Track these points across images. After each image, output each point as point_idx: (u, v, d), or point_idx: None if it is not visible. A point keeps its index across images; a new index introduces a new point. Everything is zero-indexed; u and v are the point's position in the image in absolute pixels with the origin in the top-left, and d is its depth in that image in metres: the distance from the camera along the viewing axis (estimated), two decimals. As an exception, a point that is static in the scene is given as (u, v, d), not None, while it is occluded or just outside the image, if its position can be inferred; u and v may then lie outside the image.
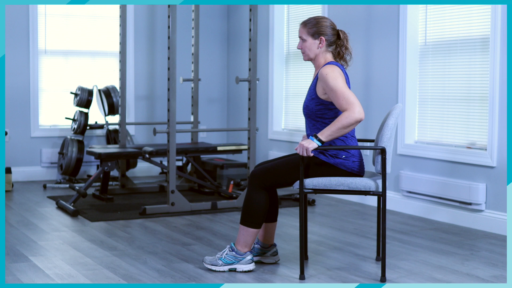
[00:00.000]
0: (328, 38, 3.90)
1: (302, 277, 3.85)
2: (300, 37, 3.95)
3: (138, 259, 4.26)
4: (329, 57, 3.93)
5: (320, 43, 3.90)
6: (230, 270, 3.98)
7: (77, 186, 6.39)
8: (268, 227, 4.14)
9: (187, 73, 7.75)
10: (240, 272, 3.97)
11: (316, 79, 3.88)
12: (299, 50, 4.35)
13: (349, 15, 6.35)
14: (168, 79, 5.66)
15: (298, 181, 3.85)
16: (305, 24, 3.93)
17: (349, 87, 3.83)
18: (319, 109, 3.87)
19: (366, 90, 6.20)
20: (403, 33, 5.76)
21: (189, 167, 7.29)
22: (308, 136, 3.96)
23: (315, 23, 3.90)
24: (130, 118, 7.81)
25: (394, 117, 3.91)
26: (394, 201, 5.89)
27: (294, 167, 3.87)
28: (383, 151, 3.80)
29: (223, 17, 8.30)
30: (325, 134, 3.70)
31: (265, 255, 4.17)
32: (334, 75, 3.76)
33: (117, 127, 7.51)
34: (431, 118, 5.71)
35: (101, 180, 6.40)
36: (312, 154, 3.73)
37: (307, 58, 3.96)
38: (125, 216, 5.59)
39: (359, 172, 3.91)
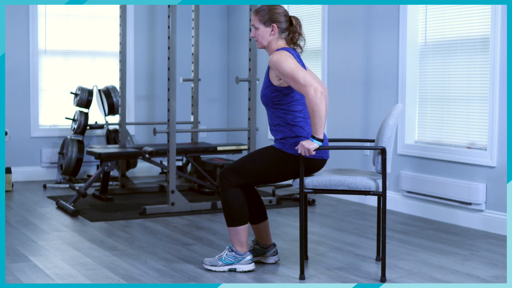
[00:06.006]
0: (280, 25, 3.89)
1: (302, 277, 3.85)
2: (252, 25, 3.93)
3: (138, 259, 4.26)
4: (282, 43, 3.92)
5: (272, 30, 3.89)
6: (230, 270, 3.98)
7: (77, 186, 6.39)
8: (260, 227, 4.13)
9: (187, 73, 7.75)
10: (240, 272, 3.97)
11: (269, 67, 3.89)
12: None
13: (349, 15, 6.35)
14: (168, 79, 5.66)
15: (298, 180, 3.85)
16: (257, 12, 3.91)
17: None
18: (275, 96, 3.87)
19: (366, 90, 6.20)
20: (403, 33, 5.76)
21: (189, 167, 7.28)
22: (270, 124, 3.95)
23: (267, 11, 3.89)
24: (130, 118, 7.80)
25: (394, 117, 3.91)
26: (394, 201, 5.89)
27: (262, 160, 3.88)
28: (383, 151, 3.80)
29: (223, 17, 8.30)
30: (315, 131, 3.68)
31: (265, 255, 4.17)
32: (281, 59, 3.75)
33: (117, 127, 7.51)
34: (431, 118, 5.71)
35: (101, 180, 6.40)
36: (314, 153, 3.73)
37: (260, 46, 3.95)
38: (125, 216, 5.59)
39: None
